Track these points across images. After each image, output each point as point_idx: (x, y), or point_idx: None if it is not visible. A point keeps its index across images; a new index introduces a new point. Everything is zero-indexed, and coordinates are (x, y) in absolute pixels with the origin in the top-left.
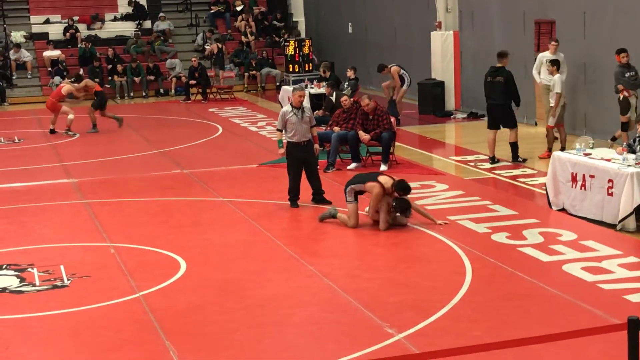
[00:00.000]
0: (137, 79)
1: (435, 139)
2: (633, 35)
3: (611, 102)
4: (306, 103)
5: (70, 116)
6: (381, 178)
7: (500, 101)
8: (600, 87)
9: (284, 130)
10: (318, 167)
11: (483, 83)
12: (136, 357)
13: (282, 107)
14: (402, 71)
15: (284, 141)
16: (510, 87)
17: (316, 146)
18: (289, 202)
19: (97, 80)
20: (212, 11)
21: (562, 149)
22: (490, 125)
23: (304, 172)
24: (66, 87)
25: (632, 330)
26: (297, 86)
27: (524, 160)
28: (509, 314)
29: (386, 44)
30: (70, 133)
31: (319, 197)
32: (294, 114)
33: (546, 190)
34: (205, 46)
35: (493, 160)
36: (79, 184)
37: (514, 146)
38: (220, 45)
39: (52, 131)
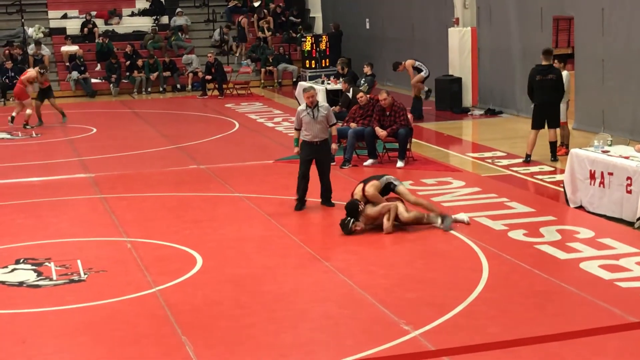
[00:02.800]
0: (153, 75)
1: (452, 135)
2: None
3: (629, 99)
4: (322, 100)
5: (28, 111)
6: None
7: (552, 99)
8: (618, 83)
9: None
10: (333, 163)
11: (530, 82)
12: (152, 351)
13: (298, 103)
14: (417, 63)
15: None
16: (562, 86)
17: (333, 146)
18: (295, 202)
19: (114, 75)
20: (229, 6)
21: (566, 145)
22: (536, 125)
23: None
24: (33, 72)
25: None
26: (306, 86)
27: (557, 160)
28: (525, 311)
29: (404, 40)
30: (29, 127)
31: (325, 199)
32: (307, 113)
33: (564, 187)
34: (224, 37)
35: (529, 158)
36: (96, 178)
37: (554, 145)
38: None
39: (12, 119)
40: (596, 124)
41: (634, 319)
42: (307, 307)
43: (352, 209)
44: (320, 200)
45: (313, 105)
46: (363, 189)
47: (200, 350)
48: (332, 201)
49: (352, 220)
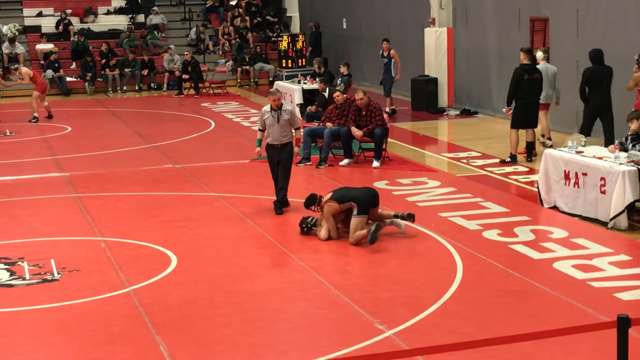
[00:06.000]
0: (126, 69)
1: (427, 135)
2: (625, 32)
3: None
4: (299, 99)
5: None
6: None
7: (536, 99)
8: None
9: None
10: (325, 165)
11: (516, 81)
12: (126, 351)
13: None
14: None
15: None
16: (541, 85)
17: (295, 149)
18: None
19: (89, 74)
20: (206, 5)
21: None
22: (519, 124)
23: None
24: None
25: (621, 328)
26: (272, 90)
27: (532, 160)
28: (499, 311)
29: (380, 40)
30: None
31: (278, 201)
32: (271, 115)
33: (538, 187)
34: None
35: (515, 158)
36: (71, 177)
37: (532, 145)
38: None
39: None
40: (570, 125)
41: (607, 319)
42: (282, 307)
43: (309, 202)
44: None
45: (277, 107)
46: (324, 203)
47: (174, 350)
48: (283, 209)
49: (309, 227)
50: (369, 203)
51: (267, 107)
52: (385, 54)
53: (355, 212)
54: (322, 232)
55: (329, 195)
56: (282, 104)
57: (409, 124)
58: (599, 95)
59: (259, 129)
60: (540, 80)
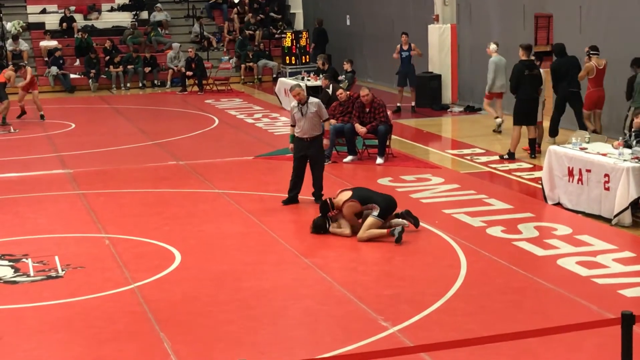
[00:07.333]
0: (130, 66)
1: (431, 132)
2: (627, 29)
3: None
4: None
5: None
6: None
7: (536, 95)
8: None
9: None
10: (328, 162)
11: (517, 77)
12: (130, 347)
13: (278, 99)
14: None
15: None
16: (541, 81)
17: (325, 141)
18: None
19: (93, 71)
20: (209, 2)
21: (539, 145)
22: (520, 120)
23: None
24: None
25: (625, 324)
26: (292, 84)
27: (536, 156)
28: (503, 307)
29: (384, 37)
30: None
31: (316, 197)
32: (298, 109)
33: (542, 184)
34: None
35: (513, 156)
36: (74, 174)
37: (534, 142)
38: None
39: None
40: (574, 121)
41: (611, 315)
42: (286, 304)
43: (324, 210)
44: (312, 195)
45: (302, 102)
46: (344, 203)
47: (178, 347)
48: (292, 204)
49: (325, 227)
50: (388, 210)
51: (294, 102)
52: (405, 47)
53: (375, 212)
54: (348, 231)
55: (348, 194)
56: (307, 98)
57: (412, 120)
58: (566, 84)
59: (291, 125)
60: (539, 76)
